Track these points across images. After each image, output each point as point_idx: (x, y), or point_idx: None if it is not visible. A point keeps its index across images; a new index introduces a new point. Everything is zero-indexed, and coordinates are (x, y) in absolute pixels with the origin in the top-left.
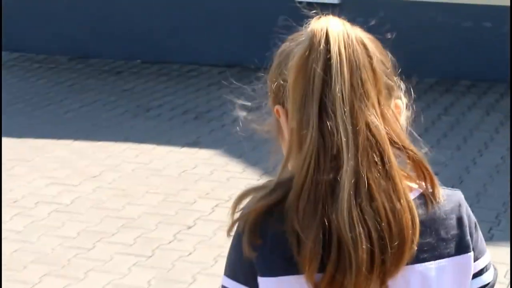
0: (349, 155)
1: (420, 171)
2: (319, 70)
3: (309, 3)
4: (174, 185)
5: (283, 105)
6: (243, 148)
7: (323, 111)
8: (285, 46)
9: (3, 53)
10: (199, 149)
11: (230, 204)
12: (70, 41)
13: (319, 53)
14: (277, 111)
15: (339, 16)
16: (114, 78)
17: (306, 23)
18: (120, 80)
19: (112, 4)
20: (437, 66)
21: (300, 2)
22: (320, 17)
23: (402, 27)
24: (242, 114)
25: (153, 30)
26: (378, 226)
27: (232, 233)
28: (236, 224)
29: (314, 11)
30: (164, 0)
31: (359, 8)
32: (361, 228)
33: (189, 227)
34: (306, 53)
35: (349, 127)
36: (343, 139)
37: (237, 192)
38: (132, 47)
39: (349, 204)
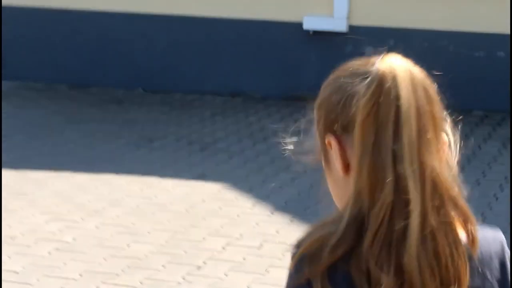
0: (418, 201)
1: (463, 217)
2: (391, 114)
3: (316, 31)
4: (181, 221)
5: (336, 137)
6: (251, 182)
7: (395, 157)
8: (343, 80)
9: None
10: (206, 183)
11: (242, 242)
12: (70, 69)
13: (390, 97)
14: (329, 142)
15: (348, 44)
16: (115, 108)
17: (365, 58)
18: (122, 110)
19: (112, 32)
20: (449, 96)
21: (307, 30)
22: (382, 54)
23: (412, 56)
24: (288, 141)
25: (154, 58)
26: (440, 271)
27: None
28: (300, 271)
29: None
30: (165, 28)
31: (367, 36)
32: (428, 273)
33: (199, 268)
34: (377, 96)
35: (417, 173)
36: (412, 185)
37: (248, 230)
38: (132, 75)
39: (418, 249)
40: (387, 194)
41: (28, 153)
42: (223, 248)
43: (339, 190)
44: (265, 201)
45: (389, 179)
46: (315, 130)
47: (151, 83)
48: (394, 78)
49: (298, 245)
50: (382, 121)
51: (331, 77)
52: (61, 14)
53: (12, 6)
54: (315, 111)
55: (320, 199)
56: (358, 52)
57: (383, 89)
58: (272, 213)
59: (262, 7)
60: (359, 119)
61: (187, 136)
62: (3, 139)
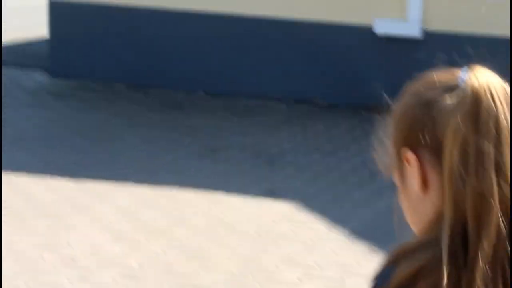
0: None
1: None
2: (492, 135)
3: (387, 36)
4: (252, 245)
5: (416, 153)
6: (323, 201)
7: (500, 178)
8: (426, 93)
9: (58, 80)
10: (276, 201)
11: (320, 273)
12: (128, 69)
13: (490, 115)
14: (406, 157)
15: (421, 51)
16: (176, 112)
17: (447, 69)
18: (183, 114)
19: (172, 31)
20: None
21: (377, 35)
22: (471, 68)
23: (489, 65)
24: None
25: (216, 59)
26: None
27: None
28: None
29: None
30: (229, 29)
31: (442, 43)
32: None
33: None
34: (474, 114)
35: None
36: None
37: (324, 258)
38: (193, 77)
39: None
40: (496, 217)
41: (87, 159)
42: (300, 279)
43: (414, 207)
44: (340, 224)
45: (497, 201)
46: (389, 142)
47: (213, 86)
48: (490, 95)
49: (382, 276)
50: (483, 141)
51: (411, 88)
52: (120, 11)
53: (70, 2)
54: (391, 122)
55: (397, 223)
56: (432, 60)
57: (480, 106)
58: (349, 239)
59: (330, 9)
60: (453, 137)
61: (252, 146)
62: (60, 141)
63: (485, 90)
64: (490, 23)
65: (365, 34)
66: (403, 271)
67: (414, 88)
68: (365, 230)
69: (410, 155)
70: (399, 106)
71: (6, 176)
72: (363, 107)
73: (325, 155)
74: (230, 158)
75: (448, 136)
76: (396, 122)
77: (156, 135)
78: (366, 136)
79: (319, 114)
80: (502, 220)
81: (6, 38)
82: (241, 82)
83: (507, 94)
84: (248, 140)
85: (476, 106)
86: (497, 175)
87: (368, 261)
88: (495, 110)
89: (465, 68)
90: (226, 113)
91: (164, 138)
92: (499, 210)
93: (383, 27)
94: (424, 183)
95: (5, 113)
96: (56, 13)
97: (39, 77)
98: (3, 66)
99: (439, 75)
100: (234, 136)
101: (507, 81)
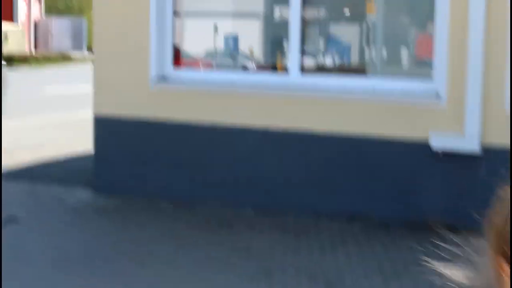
0: None
1: None
2: None
3: (446, 153)
4: None
5: (507, 260)
6: None
7: None
8: (506, 197)
9: (102, 197)
10: None
11: None
12: (174, 185)
13: None
14: (501, 266)
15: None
16: (224, 231)
17: None
18: (232, 233)
19: (218, 147)
20: None
21: (433, 149)
22: None
23: None
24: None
25: (263, 176)
26: None
27: None
28: None
29: None
30: (275, 144)
31: (501, 158)
32: None
33: None
34: None
35: None
36: None
37: None
38: (241, 193)
39: None
40: None
41: (133, 283)
42: None
43: None
44: None
45: None
46: (488, 254)
47: (261, 203)
48: None
49: None
50: None
51: (500, 193)
52: (164, 128)
53: (115, 118)
54: (486, 231)
55: None
56: (492, 176)
57: None
58: None
59: (384, 123)
60: None
61: (308, 268)
62: (105, 263)
63: None
64: None
65: (420, 148)
66: None
67: (501, 194)
68: None
69: (505, 266)
70: (491, 212)
71: None
72: (419, 225)
73: (387, 278)
74: (286, 282)
75: None
76: (490, 231)
77: (205, 255)
78: (427, 256)
79: (373, 233)
80: None
81: (51, 154)
82: (290, 199)
83: None
84: (302, 261)
85: None
86: None
87: None
88: None
89: None
90: (276, 232)
91: (214, 259)
92: None
93: (440, 141)
94: None
95: (48, 233)
96: (101, 129)
97: (83, 194)
98: (46, 183)
99: None
100: (287, 256)
101: None
